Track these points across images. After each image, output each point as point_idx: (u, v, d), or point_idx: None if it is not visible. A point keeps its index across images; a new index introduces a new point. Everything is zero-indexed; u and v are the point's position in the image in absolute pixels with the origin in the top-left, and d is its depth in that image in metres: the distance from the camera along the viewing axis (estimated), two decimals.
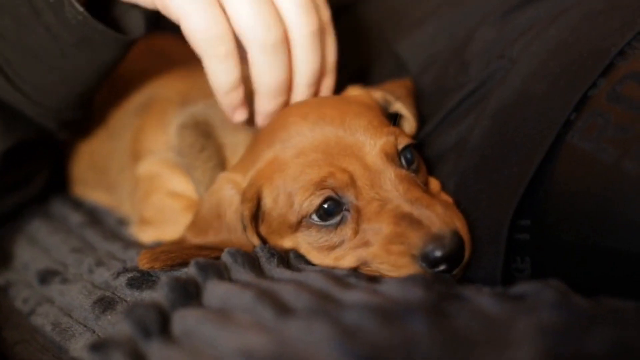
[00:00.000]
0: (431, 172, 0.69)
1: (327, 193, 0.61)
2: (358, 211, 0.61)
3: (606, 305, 0.45)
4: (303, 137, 0.63)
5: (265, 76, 0.66)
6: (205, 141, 0.74)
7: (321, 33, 0.68)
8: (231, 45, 0.64)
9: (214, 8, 0.63)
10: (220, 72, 0.65)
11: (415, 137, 0.72)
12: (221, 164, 0.74)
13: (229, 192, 0.66)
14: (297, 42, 0.66)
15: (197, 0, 0.62)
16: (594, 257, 0.54)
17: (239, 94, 0.68)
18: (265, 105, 0.69)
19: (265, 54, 0.64)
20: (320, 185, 0.61)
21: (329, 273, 0.56)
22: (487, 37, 0.74)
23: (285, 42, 0.65)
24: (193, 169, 0.74)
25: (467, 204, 0.63)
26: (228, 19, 0.63)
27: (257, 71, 0.66)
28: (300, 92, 0.69)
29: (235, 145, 0.74)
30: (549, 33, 0.67)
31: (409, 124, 0.73)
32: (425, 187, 0.64)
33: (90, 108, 0.85)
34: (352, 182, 0.61)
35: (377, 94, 0.71)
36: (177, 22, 0.65)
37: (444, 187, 0.67)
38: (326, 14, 0.70)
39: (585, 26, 0.65)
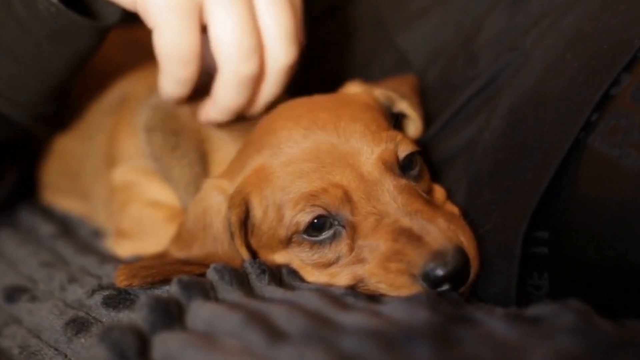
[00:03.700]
0: (437, 177, 0.69)
1: (318, 211, 0.61)
2: (353, 227, 0.61)
3: (631, 330, 0.45)
4: (294, 144, 0.63)
5: (228, 102, 0.71)
6: (175, 139, 0.74)
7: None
8: (195, 67, 0.70)
9: (190, 23, 0.67)
10: (172, 86, 0.72)
11: (419, 139, 0.72)
12: (201, 159, 0.74)
13: (216, 199, 0.65)
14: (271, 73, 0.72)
15: (173, 15, 0.66)
16: (618, 273, 0.54)
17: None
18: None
19: (237, 84, 0.70)
20: (311, 200, 0.60)
21: (325, 292, 0.56)
22: (497, 27, 0.73)
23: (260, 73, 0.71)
24: (170, 169, 0.74)
25: (477, 215, 0.63)
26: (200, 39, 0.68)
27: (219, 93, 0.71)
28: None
29: (217, 137, 0.74)
30: (564, 22, 0.67)
31: (415, 125, 0.72)
32: (428, 197, 0.64)
33: (66, 101, 0.86)
34: (347, 197, 0.60)
35: (379, 92, 0.71)
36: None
37: (451, 195, 0.67)
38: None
39: (604, 14, 0.65)
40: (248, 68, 0.68)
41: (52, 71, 0.75)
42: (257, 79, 0.70)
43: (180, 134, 0.75)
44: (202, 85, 0.73)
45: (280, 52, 0.70)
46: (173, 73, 0.70)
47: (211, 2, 0.66)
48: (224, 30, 0.67)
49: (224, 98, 0.71)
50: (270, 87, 0.72)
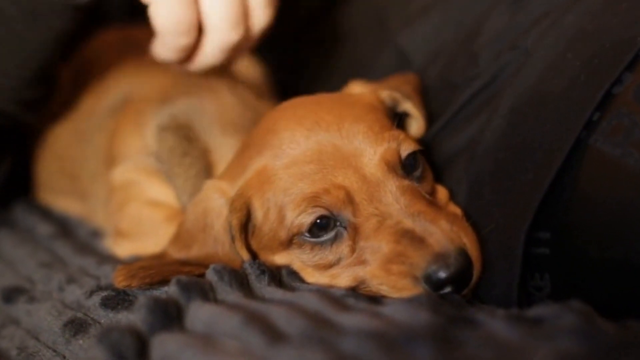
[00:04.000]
0: (438, 177, 0.69)
1: (320, 212, 0.61)
2: (355, 228, 0.60)
3: (632, 330, 0.45)
4: (296, 145, 0.63)
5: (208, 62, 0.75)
6: (187, 146, 0.74)
7: None
8: (192, 37, 0.72)
9: None
10: (169, 53, 0.74)
11: (421, 139, 0.72)
12: (206, 171, 0.74)
13: (216, 201, 0.65)
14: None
15: None
16: (619, 273, 0.54)
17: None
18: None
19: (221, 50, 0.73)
20: (313, 201, 0.60)
21: (326, 293, 0.56)
22: (498, 26, 0.73)
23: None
24: (174, 176, 0.74)
25: (479, 215, 0.63)
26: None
27: None
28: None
29: (223, 150, 0.74)
30: (566, 21, 0.67)
31: (417, 124, 0.72)
32: (431, 198, 0.64)
33: (54, 86, 0.86)
34: (349, 198, 0.60)
35: (384, 93, 0.71)
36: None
37: (453, 195, 0.67)
38: None
39: (606, 13, 0.65)
40: (234, 37, 0.72)
41: (30, 53, 0.75)
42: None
43: (192, 142, 0.75)
44: None
45: (261, 17, 0.74)
46: (170, 43, 0.72)
47: None
48: (214, 3, 0.69)
49: (205, 59, 0.75)
50: (246, 47, 0.78)
